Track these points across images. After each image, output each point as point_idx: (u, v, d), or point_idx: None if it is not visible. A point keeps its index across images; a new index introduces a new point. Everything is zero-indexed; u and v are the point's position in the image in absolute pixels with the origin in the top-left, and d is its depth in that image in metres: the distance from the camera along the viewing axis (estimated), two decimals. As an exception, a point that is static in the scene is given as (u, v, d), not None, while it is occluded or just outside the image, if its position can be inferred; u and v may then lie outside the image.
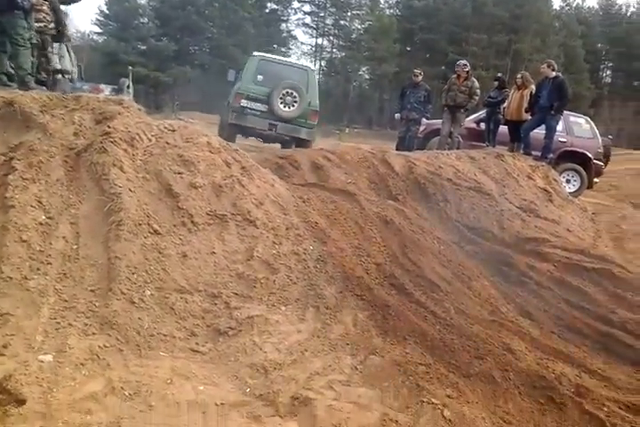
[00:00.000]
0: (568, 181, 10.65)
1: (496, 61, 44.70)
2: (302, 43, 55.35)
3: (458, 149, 9.97)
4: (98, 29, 45.73)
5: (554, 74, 9.34)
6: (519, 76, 10.10)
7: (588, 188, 11.20)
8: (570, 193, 9.69)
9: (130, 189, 4.51)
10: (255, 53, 10.88)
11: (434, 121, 11.09)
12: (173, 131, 5.28)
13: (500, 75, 13.57)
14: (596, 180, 11.28)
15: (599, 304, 5.64)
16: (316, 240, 5.18)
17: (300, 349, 3.96)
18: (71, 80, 8.52)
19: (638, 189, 16.86)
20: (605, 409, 3.76)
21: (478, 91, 10.17)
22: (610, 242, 7.94)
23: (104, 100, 5.33)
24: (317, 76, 12.41)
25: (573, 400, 3.80)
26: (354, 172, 7.19)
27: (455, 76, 10.38)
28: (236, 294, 4.34)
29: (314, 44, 53.37)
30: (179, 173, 4.88)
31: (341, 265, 4.97)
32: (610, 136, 13.84)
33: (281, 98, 9.76)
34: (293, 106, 9.83)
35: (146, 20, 44.63)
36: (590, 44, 50.79)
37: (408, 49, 50.38)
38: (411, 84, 10.93)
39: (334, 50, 53.08)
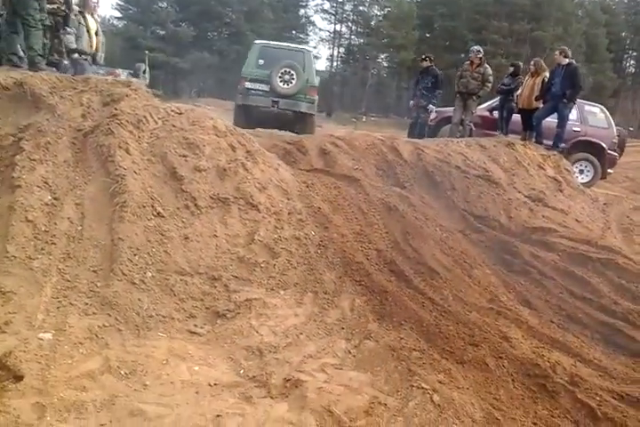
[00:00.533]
0: (581, 172, 10.50)
1: (516, 50, 43.94)
2: (320, 29, 54.57)
3: (470, 136, 9.86)
4: (118, 14, 45.84)
5: (567, 61, 9.11)
6: (532, 62, 9.89)
7: (601, 178, 11.02)
8: (583, 183, 9.57)
9: (135, 172, 4.56)
10: (256, 41, 11.89)
11: (445, 109, 10.99)
12: (180, 114, 5.33)
13: (517, 62, 13.33)
14: (610, 171, 11.08)
15: (602, 295, 5.60)
16: (318, 225, 5.21)
17: (296, 332, 4.01)
18: (94, 61, 8.62)
19: (655, 181, 16.62)
20: (598, 398, 3.75)
21: (491, 77, 9.99)
22: (619, 233, 7.84)
23: (112, 83, 5.37)
24: (314, 57, 13.49)
25: (566, 389, 3.80)
26: (361, 158, 7.16)
27: (468, 62, 10.19)
28: (236, 277, 4.40)
29: (332, 30, 52.92)
30: (184, 156, 4.93)
31: (342, 251, 5.00)
32: (630, 128, 13.55)
33: (280, 76, 10.56)
34: (291, 83, 10.62)
35: (165, 4, 44.51)
36: (614, 32, 49.57)
37: (427, 36, 49.65)
38: (422, 70, 10.89)
39: (353, 36, 52.55)
